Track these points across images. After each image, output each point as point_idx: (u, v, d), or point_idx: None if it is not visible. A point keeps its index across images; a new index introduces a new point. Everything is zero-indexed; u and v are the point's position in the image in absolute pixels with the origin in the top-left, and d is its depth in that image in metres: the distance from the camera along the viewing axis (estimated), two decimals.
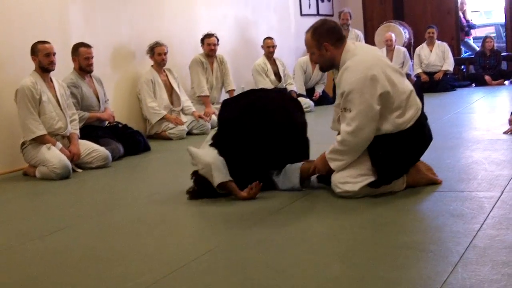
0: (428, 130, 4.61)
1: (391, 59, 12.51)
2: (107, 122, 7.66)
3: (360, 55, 4.48)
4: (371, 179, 4.39)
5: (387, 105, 4.34)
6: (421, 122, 4.49)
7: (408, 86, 4.51)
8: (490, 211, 3.89)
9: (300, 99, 10.72)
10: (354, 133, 4.34)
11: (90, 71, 7.45)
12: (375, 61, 4.45)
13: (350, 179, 4.41)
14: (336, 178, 4.48)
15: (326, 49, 4.50)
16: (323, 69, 4.77)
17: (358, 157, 4.43)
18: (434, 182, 4.64)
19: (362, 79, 4.30)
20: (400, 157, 4.41)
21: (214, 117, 9.29)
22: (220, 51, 10.02)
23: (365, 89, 4.29)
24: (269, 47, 11.02)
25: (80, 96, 7.28)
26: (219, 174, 4.64)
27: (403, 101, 4.39)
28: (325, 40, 4.50)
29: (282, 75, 11.09)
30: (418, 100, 4.52)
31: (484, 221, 3.70)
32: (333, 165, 4.49)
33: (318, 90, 11.63)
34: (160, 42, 8.82)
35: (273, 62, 11.11)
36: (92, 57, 7.36)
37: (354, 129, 4.33)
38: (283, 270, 3.19)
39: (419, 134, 4.48)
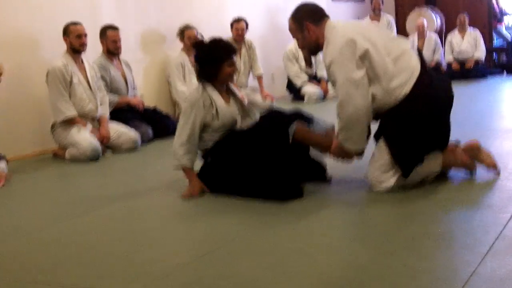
0: (439, 91, 4.36)
1: (422, 46, 12.46)
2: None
3: (340, 27, 4.36)
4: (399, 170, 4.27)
5: (373, 67, 4.19)
6: (424, 85, 4.25)
7: (400, 47, 4.35)
8: None
9: (306, 87, 10.67)
10: (342, 103, 4.19)
11: (118, 54, 7.47)
12: (353, 27, 4.37)
13: (383, 175, 4.28)
14: (370, 175, 4.35)
15: (309, 30, 4.41)
16: (311, 52, 4.61)
17: (381, 146, 4.32)
18: (469, 167, 4.47)
19: (339, 46, 4.19)
20: (413, 131, 4.22)
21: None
22: (249, 36, 10.01)
23: (343, 56, 4.16)
24: None
25: (109, 79, 7.31)
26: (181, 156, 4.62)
27: (391, 62, 4.23)
28: (306, 19, 4.42)
29: (313, 61, 11.03)
30: (414, 62, 4.32)
31: (511, 218, 3.66)
32: (348, 145, 4.29)
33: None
34: (190, 25, 8.81)
35: None
36: (119, 40, 7.38)
37: (342, 99, 4.19)
38: (310, 255, 3.20)
39: (424, 99, 4.24)
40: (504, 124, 6.93)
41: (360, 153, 4.39)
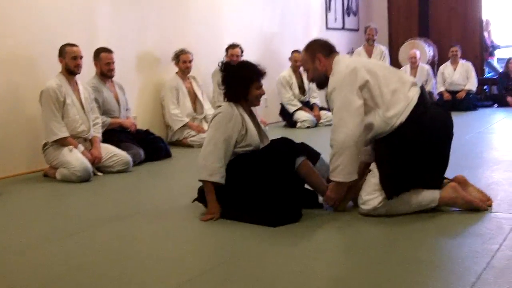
0: (433, 121, 4.40)
1: (414, 76, 12.54)
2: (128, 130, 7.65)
3: (346, 60, 4.56)
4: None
5: (371, 96, 4.34)
6: (418, 115, 4.33)
7: (401, 79, 4.45)
8: (509, 232, 3.88)
9: (321, 112, 10.81)
10: (335, 129, 4.34)
11: (111, 76, 7.48)
12: (357, 60, 4.59)
13: (369, 196, 4.34)
14: (358, 200, 4.42)
15: (320, 61, 4.56)
16: (319, 85, 4.68)
17: (372, 172, 4.37)
18: (475, 207, 4.41)
19: (341, 76, 4.37)
20: (405, 160, 4.28)
21: None
22: None
23: (344, 85, 4.34)
24: (296, 61, 10.99)
25: (101, 100, 7.32)
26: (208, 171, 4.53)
27: (389, 93, 4.35)
28: (318, 51, 4.59)
29: (306, 88, 11.09)
30: (412, 93, 4.40)
31: (503, 242, 3.70)
32: (335, 177, 4.38)
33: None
34: (186, 49, 8.86)
35: (298, 75, 11.10)
36: (113, 62, 7.41)
37: (335, 124, 4.35)
38: (298, 282, 3.21)
39: (418, 128, 4.31)
40: (493, 155, 6.97)
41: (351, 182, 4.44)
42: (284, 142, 4.66)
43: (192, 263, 3.66)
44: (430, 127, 4.37)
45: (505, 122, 10.56)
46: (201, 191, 4.70)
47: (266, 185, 4.40)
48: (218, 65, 5.14)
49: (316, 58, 4.58)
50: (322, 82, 4.64)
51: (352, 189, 4.52)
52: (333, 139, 4.36)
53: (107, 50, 7.40)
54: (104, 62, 7.36)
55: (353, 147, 4.30)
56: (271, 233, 4.13)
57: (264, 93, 4.88)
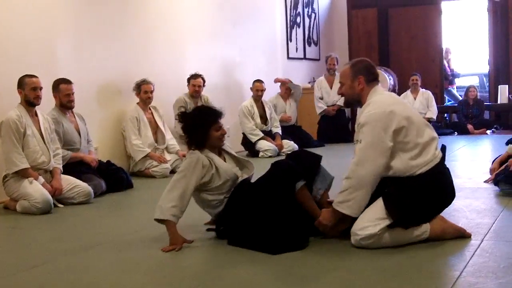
0: (448, 183, 4.50)
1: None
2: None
3: (385, 95, 4.57)
4: (390, 221, 4.28)
5: (402, 142, 4.32)
6: (438, 172, 4.40)
7: (430, 135, 4.47)
8: (470, 259, 3.91)
9: (284, 141, 10.89)
10: (360, 163, 4.30)
11: (71, 107, 7.42)
12: (397, 101, 4.53)
13: (369, 223, 4.28)
14: (354, 227, 4.35)
15: (359, 82, 4.55)
16: (347, 103, 4.75)
17: (375, 202, 4.36)
18: (463, 234, 4.48)
19: (379, 113, 4.33)
20: (413, 203, 4.29)
21: None
22: (206, 90, 10.05)
23: (379, 123, 4.29)
24: (258, 91, 11.06)
25: (62, 132, 7.26)
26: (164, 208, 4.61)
27: (420, 145, 4.36)
28: (362, 73, 4.57)
29: (268, 117, 11.14)
30: (438, 151, 4.48)
31: (464, 268, 3.73)
32: (343, 209, 4.36)
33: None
34: (147, 79, 8.85)
35: (260, 105, 11.14)
36: (72, 93, 7.33)
37: (361, 159, 4.31)
38: None
39: (434, 184, 4.37)
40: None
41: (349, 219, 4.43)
42: (285, 166, 4.67)
43: None
44: (445, 186, 4.46)
45: (466, 149, 10.69)
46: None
47: (267, 212, 4.44)
48: (175, 117, 5.25)
49: (357, 79, 4.56)
50: (352, 101, 4.70)
51: (347, 219, 4.48)
52: (354, 172, 4.32)
53: (66, 81, 7.35)
54: (63, 93, 7.30)
55: (369, 185, 4.32)
56: (243, 261, 4.12)
57: (225, 133, 4.94)
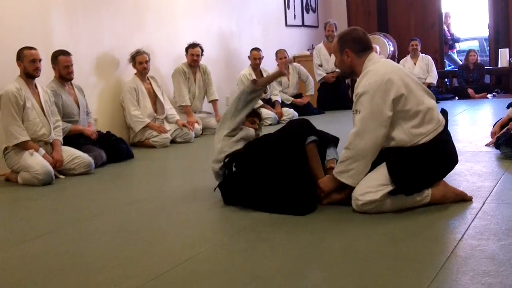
0: (451, 151, 4.47)
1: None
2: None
3: (382, 63, 4.47)
4: (392, 187, 4.26)
5: (402, 111, 4.27)
6: (442, 140, 4.37)
7: (431, 101, 4.41)
8: (471, 222, 3.91)
9: (284, 109, 10.90)
10: (359, 134, 4.26)
11: (70, 79, 7.41)
12: (395, 69, 4.42)
13: (370, 189, 4.26)
14: (355, 192, 4.33)
15: (347, 55, 4.49)
16: (343, 75, 4.79)
17: (377, 168, 4.34)
18: (463, 198, 4.47)
19: (377, 82, 4.26)
20: (416, 171, 4.27)
21: (197, 126, 9.35)
22: (203, 61, 10.02)
23: (378, 93, 4.24)
24: (255, 59, 11.05)
25: (61, 104, 7.25)
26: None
27: (421, 112, 4.30)
28: (348, 46, 4.49)
29: (267, 86, 11.08)
30: (441, 117, 4.44)
31: (466, 231, 3.72)
32: (343, 178, 4.37)
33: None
34: (142, 50, 8.83)
35: (258, 73, 11.11)
36: (71, 65, 7.33)
37: (360, 130, 4.26)
38: (268, 278, 3.19)
39: (438, 152, 4.34)
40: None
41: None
42: (299, 122, 4.84)
43: (157, 261, 3.62)
44: (448, 154, 4.43)
45: (466, 114, 10.68)
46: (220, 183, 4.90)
47: (282, 173, 4.51)
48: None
49: (345, 52, 4.50)
50: (347, 74, 4.69)
51: (345, 192, 4.49)
52: (353, 144, 4.29)
53: (65, 53, 7.33)
54: (62, 65, 7.28)
55: (369, 156, 4.30)
56: (243, 227, 4.13)
57: (257, 128, 5.30)
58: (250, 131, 5.06)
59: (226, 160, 4.84)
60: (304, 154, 4.59)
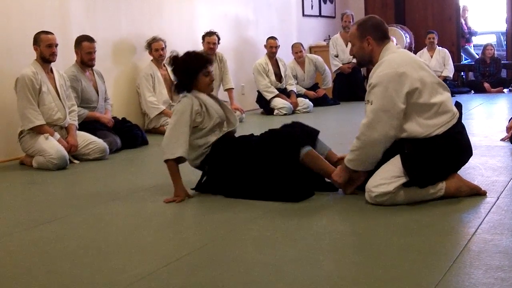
0: (466, 143, 4.45)
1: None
2: None
3: (398, 53, 4.43)
4: (406, 179, 4.24)
5: (416, 103, 4.24)
6: (456, 131, 4.34)
7: (445, 94, 4.38)
8: (485, 216, 3.90)
9: (299, 99, 10.87)
10: (370, 125, 4.24)
11: (92, 66, 7.45)
12: (410, 61, 4.37)
13: (384, 181, 4.24)
14: (369, 184, 4.32)
15: (368, 43, 4.45)
16: (360, 63, 4.71)
17: (391, 160, 4.32)
18: (477, 192, 4.44)
19: (391, 74, 4.23)
20: (431, 163, 4.24)
21: None
22: (219, 49, 10.01)
23: (391, 85, 4.20)
24: (271, 47, 11.01)
25: (80, 90, 7.27)
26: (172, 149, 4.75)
27: (436, 105, 4.27)
28: (369, 33, 4.46)
29: (283, 75, 11.08)
30: (455, 110, 4.41)
31: (479, 225, 3.71)
32: (355, 166, 4.39)
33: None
34: (158, 37, 8.84)
35: (274, 62, 11.09)
36: (94, 52, 7.36)
37: (371, 121, 4.24)
38: (278, 266, 3.20)
39: (453, 144, 4.31)
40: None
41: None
42: (288, 132, 4.81)
43: (170, 248, 3.64)
44: (462, 146, 4.41)
45: (482, 108, 10.64)
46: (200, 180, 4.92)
47: (275, 169, 4.56)
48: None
49: (365, 39, 4.46)
50: (364, 62, 4.65)
51: (362, 175, 4.49)
52: (365, 134, 4.27)
53: (89, 39, 7.36)
54: (85, 51, 7.31)
55: (381, 146, 4.29)
56: (255, 216, 4.15)
57: (213, 79, 5.06)
58: (219, 109, 4.93)
59: (206, 168, 4.91)
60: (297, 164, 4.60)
